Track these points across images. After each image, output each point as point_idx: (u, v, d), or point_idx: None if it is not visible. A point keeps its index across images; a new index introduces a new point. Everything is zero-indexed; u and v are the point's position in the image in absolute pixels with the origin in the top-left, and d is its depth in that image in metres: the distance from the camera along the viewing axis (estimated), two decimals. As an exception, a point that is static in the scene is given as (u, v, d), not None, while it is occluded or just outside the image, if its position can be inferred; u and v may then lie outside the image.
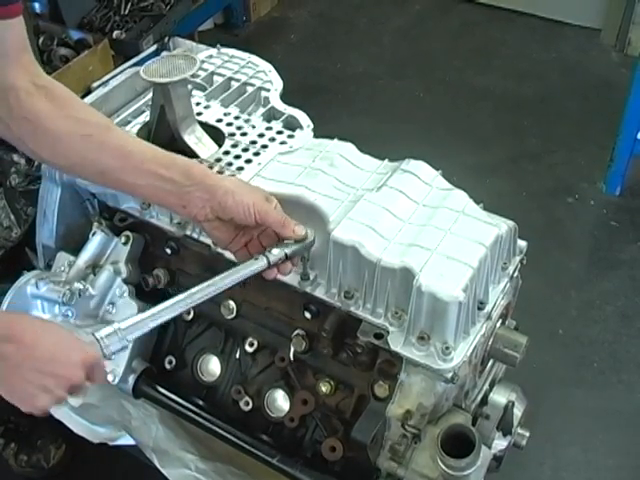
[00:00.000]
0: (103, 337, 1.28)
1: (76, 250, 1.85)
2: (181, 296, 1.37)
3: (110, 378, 1.81)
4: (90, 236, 1.84)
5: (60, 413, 2.09)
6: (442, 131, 3.99)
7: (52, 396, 1.25)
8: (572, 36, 4.75)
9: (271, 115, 1.90)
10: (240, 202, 1.43)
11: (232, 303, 1.77)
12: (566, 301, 3.17)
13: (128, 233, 1.81)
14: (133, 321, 1.32)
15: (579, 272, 3.32)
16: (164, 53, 1.83)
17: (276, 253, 1.44)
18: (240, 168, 1.71)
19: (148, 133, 1.83)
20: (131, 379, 1.83)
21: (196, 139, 1.77)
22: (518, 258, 1.71)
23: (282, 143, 1.78)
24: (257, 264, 1.43)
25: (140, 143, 1.51)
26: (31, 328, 1.27)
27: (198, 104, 1.89)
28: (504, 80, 4.40)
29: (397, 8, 5.04)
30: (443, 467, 1.48)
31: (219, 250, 1.65)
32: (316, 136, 1.82)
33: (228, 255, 1.57)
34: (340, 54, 4.63)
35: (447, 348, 1.46)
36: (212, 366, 1.88)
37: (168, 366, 1.91)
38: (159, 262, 1.85)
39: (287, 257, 1.45)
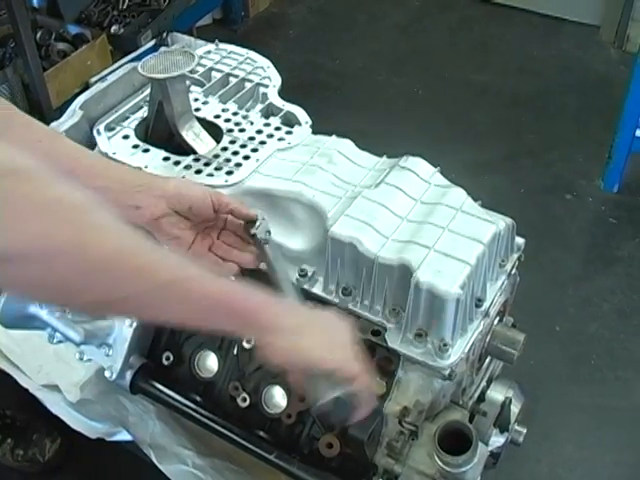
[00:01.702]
0: None
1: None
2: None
3: (107, 374, 1.81)
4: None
5: (57, 409, 2.09)
6: (440, 127, 3.98)
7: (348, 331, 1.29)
8: (571, 33, 4.75)
9: (269, 111, 1.90)
10: (194, 189, 1.47)
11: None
12: (563, 298, 3.17)
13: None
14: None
15: (576, 269, 3.32)
16: (162, 49, 1.82)
17: (264, 235, 1.50)
18: (238, 164, 1.70)
19: (146, 129, 1.83)
20: (128, 375, 1.83)
21: (194, 135, 1.76)
22: (516, 255, 1.71)
23: (280, 139, 1.78)
24: (269, 247, 1.50)
25: (87, 151, 1.51)
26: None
27: (196, 100, 1.89)
28: (503, 77, 4.39)
29: (396, 4, 5.04)
30: (440, 464, 1.48)
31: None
32: (314, 132, 1.82)
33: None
34: (339, 50, 4.63)
35: (444, 345, 1.46)
36: (210, 362, 1.87)
37: (166, 362, 1.90)
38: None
39: (270, 233, 1.52)
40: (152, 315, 1.18)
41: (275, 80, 1.97)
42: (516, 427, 1.82)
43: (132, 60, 2.90)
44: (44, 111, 3.23)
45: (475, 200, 1.62)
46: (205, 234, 1.51)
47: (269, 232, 1.51)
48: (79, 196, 1.03)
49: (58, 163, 1.41)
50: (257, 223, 1.51)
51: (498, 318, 1.69)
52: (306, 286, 1.59)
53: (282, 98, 1.93)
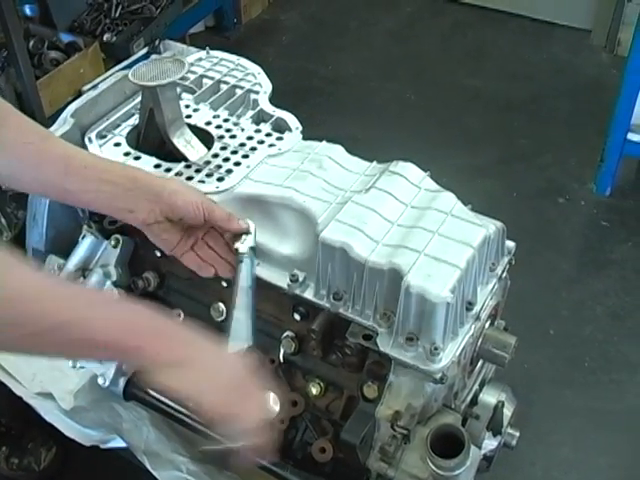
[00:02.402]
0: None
1: (66, 253, 1.85)
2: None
3: (100, 381, 1.81)
4: (80, 239, 1.84)
5: (52, 416, 2.09)
6: (433, 132, 3.99)
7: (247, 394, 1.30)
8: (563, 37, 4.77)
9: (260, 118, 1.90)
10: (189, 201, 1.47)
11: (222, 305, 1.77)
12: (557, 301, 3.18)
13: (118, 236, 1.81)
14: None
15: (570, 272, 3.33)
16: (153, 56, 1.83)
17: (246, 252, 1.53)
18: (229, 171, 1.71)
19: (137, 136, 1.84)
20: (122, 382, 1.83)
21: (185, 142, 1.77)
22: (506, 259, 1.71)
23: (271, 145, 1.78)
24: (248, 264, 1.52)
25: (80, 151, 1.51)
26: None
27: (187, 107, 1.90)
28: (495, 81, 4.41)
29: (388, 10, 5.06)
30: (433, 467, 1.48)
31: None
32: (307, 138, 1.83)
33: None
34: (331, 56, 4.64)
35: (435, 349, 1.46)
36: (202, 368, 1.88)
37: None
38: (149, 265, 1.85)
39: (254, 250, 1.54)
40: (47, 353, 1.23)
41: (266, 86, 1.97)
42: (509, 430, 1.82)
43: (125, 68, 2.91)
44: (37, 120, 3.22)
45: (465, 204, 1.63)
46: (191, 232, 1.54)
47: (253, 249, 1.54)
48: None
49: (49, 165, 1.43)
50: (242, 237, 1.54)
51: (489, 322, 1.69)
52: (297, 291, 1.60)
53: (274, 104, 1.94)
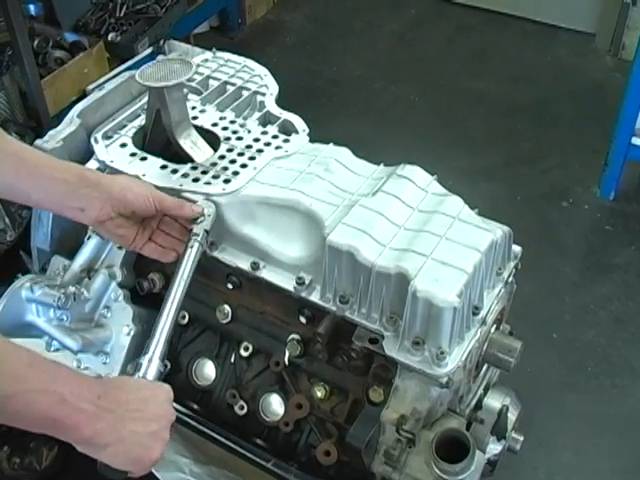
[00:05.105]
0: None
1: (71, 254, 1.85)
2: (166, 308, 1.44)
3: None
4: (85, 240, 1.84)
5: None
6: (437, 135, 3.99)
7: (161, 440, 1.28)
8: (567, 40, 4.77)
9: (267, 119, 1.90)
10: (139, 194, 1.51)
11: (227, 307, 1.77)
12: (560, 305, 3.18)
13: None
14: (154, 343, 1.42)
15: (573, 276, 3.32)
16: (160, 57, 1.83)
17: (199, 233, 1.55)
18: (236, 173, 1.71)
19: (144, 137, 1.84)
20: (125, 383, 1.83)
21: (192, 143, 1.77)
22: (513, 263, 1.71)
23: (277, 148, 1.78)
24: (194, 250, 1.52)
25: (33, 151, 1.53)
26: (116, 388, 1.29)
27: (194, 108, 1.89)
28: (499, 84, 4.41)
29: (393, 12, 5.05)
30: (437, 471, 1.48)
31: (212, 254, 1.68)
32: (311, 140, 1.82)
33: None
34: (336, 58, 4.64)
35: (442, 353, 1.46)
36: (207, 370, 1.88)
37: (162, 370, 1.90)
38: (154, 266, 1.85)
39: (207, 232, 1.57)
40: None
41: (272, 88, 1.97)
42: (513, 435, 1.82)
43: (129, 68, 2.91)
44: (41, 119, 3.22)
45: (472, 208, 1.63)
46: (146, 224, 1.57)
47: (207, 232, 1.56)
48: None
49: (1, 160, 1.44)
50: (199, 220, 1.57)
51: (495, 326, 1.69)
52: (303, 294, 1.60)
53: (279, 105, 1.94)
